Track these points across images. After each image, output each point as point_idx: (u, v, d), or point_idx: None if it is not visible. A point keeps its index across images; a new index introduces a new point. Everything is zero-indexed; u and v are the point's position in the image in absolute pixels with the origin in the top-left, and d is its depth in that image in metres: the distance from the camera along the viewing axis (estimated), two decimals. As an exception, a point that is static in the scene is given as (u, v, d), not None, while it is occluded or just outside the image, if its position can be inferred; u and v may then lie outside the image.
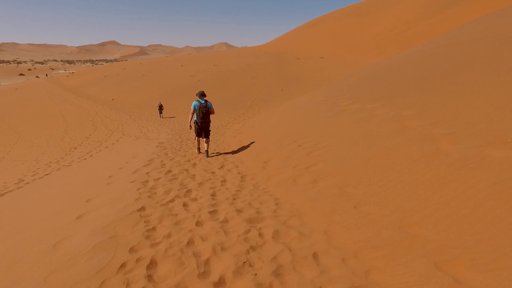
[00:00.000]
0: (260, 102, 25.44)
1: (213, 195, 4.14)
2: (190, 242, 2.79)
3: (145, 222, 3.22)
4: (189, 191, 4.34)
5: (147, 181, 4.84)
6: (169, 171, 5.60)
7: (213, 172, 5.44)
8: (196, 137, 7.34)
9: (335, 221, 3.03)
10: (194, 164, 6.24)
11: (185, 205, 3.75)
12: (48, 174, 10.76)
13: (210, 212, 3.47)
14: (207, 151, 7.10)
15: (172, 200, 3.91)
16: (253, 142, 7.76)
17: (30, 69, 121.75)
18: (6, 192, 8.98)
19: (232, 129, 12.29)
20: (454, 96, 4.98)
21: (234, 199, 3.94)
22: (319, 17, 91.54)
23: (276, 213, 3.40)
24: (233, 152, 7.28)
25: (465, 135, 3.64)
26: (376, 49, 48.20)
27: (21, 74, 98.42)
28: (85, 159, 12.45)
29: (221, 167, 5.86)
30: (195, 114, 7.13)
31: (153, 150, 8.09)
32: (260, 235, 2.91)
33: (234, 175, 5.16)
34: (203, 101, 7.06)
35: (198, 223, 3.20)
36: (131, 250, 2.64)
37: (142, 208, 3.58)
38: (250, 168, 5.56)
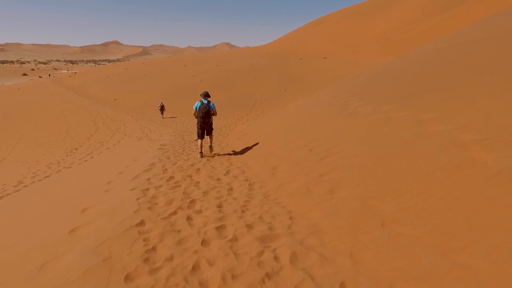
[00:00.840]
0: (264, 102, 25.07)
1: (219, 206, 3.76)
2: (195, 267, 2.42)
3: (144, 240, 2.85)
4: (193, 201, 3.96)
5: (147, 189, 4.48)
6: (172, 177, 5.24)
7: (218, 179, 5.07)
8: (198, 140, 7.17)
9: (360, 241, 2.65)
10: (198, 169, 5.87)
11: (189, 218, 3.38)
12: (47, 177, 10.50)
13: (217, 228, 3.09)
14: (210, 146, 7.28)
15: (174, 213, 3.53)
16: (260, 145, 7.38)
17: (33, 69, 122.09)
18: (4, 196, 8.69)
19: (236, 130, 11.92)
20: (480, 97, 4.56)
21: (243, 211, 3.56)
22: (322, 17, 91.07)
23: (291, 230, 3.02)
24: (239, 156, 6.91)
25: (501, 142, 3.23)
26: (380, 49, 47.68)
27: (24, 74, 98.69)
28: (86, 160, 12.18)
29: (226, 173, 5.48)
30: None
31: (155, 153, 7.74)
32: (276, 258, 2.53)
33: (241, 183, 4.79)
34: (206, 101, 7.02)
35: (204, 242, 2.83)
36: (127, 278, 2.27)
37: (141, 223, 3.21)
38: (258, 175, 5.18)
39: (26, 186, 9.63)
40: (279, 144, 6.65)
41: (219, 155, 7.26)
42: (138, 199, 3.97)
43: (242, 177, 5.12)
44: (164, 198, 4.04)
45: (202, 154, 7.07)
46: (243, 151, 7.26)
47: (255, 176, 5.15)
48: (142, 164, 6.53)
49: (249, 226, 3.13)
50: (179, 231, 3.05)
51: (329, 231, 2.96)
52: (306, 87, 29.65)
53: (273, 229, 3.06)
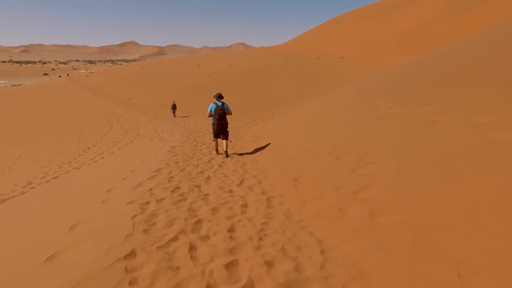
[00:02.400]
0: (279, 103, 24.28)
1: (231, 230, 3.04)
2: (194, 336, 1.72)
3: (130, 283, 2.16)
4: (199, 221, 3.26)
5: (147, 203, 3.81)
6: (177, 187, 4.57)
7: (230, 191, 4.35)
8: (214, 139, 7.27)
9: (428, 299, 1.86)
10: (208, 177, 5.17)
11: (192, 248, 2.67)
12: (56, 178, 10.20)
13: (226, 266, 2.37)
14: (226, 151, 6.97)
15: (175, 239, 2.83)
16: (278, 149, 6.63)
17: (54, 69, 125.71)
18: (9, 198, 8.35)
19: (251, 132, 11.22)
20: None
21: (260, 239, 2.82)
22: (338, 16, 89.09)
23: (324, 271, 2.26)
24: (254, 162, 6.17)
25: None
26: (398, 49, 45.89)
27: (45, 74, 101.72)
28: (96, 161, 11.88)
29: (240, 183, 4.76)
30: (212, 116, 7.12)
31: (163, 157, 7.13)
32: (309, 323, 1.80)
33: (257, 197, 4.05)
34: (220, 103, 6.98)
35: (208, 289, 2.12)
36: None
37: (132, 254, 2.53)
38: (277, 186, 4.43)
39: (33, 187, 9.35)
40: (299, 150, 5.87)
41: (233, 157, 6.68)
42: (134, 217, 3.30)
43: (258, 189, 4.39)
44: (165, 217, 3.35)
45: (217, 151, 7.28)
46: (258, 156, 6.53)
47: (274, 188, 4.40)
48: (148, 170, 5.92)
49: (269, 264, 2.39)
50: (177, 268, 2.34)
51: (376, 276, 2.19)
52: (322, 87, 28.64)
53: (300, 269, 2.31)
